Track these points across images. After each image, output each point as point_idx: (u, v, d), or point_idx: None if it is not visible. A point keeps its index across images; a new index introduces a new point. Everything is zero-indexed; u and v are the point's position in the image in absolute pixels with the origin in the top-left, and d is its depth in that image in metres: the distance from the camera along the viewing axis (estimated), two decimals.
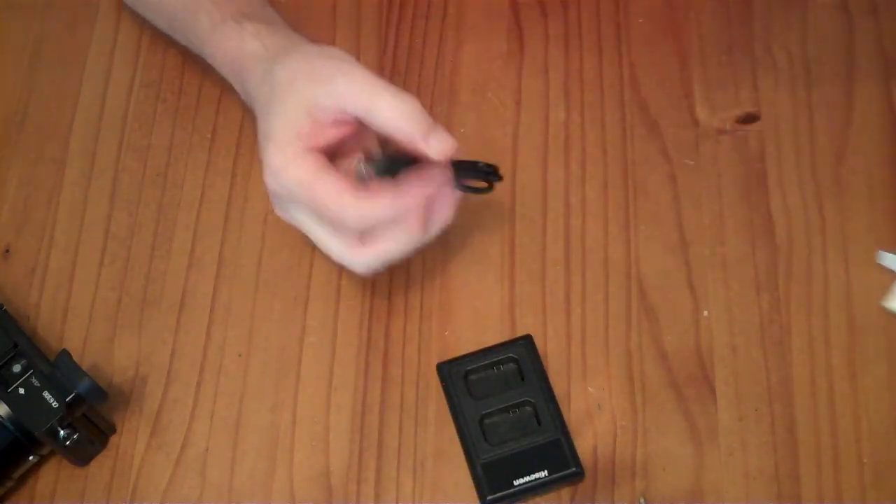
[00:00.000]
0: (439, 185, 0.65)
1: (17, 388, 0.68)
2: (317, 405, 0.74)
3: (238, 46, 0.72)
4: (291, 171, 0.64)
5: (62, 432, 0.68)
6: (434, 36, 0.86)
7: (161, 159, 0.82)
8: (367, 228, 0.65)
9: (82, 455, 0.72)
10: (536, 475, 0.69)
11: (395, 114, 0.63)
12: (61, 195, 0.81)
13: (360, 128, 0.67)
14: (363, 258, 0.67)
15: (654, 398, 0.73)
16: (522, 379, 0.72)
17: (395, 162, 0.66)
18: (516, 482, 0.69)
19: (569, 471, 0.69)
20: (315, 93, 0.65)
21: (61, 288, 0.78)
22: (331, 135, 0.66)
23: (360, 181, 0.66)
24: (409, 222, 0.65)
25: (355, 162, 0.66)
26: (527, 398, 0.72)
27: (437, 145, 0.63)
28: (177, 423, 0.74)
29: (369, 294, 0.77)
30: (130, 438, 0.73)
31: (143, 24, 0.87)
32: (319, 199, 0.64)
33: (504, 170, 0.80)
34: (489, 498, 0.69)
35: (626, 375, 0.73)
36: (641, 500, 0.70)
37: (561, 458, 0.70)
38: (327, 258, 0.77)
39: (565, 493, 0.70)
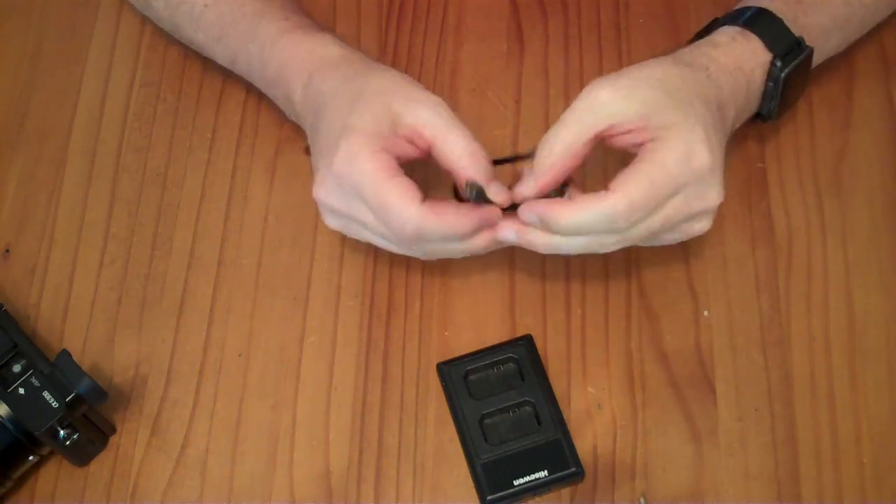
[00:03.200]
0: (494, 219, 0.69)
1: (17, 388, 0.68)
2: (317, 405, 0.74)
3: (315, 48, 0.73)
4: (368, 162, 0.66)
5: (62, 432, 0.68)
6: (434, 36, 0.86)
7: (161, 159, 0.82)
8: (420, 237, 0.67)
9: (82, 455, 0.72)
10: (536, 475, 0.69)
11: (466, 155, 0.67)
12: (61, 195, 0.81)
13: (427, 157, 0.69)
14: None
15: (654, 398, 0.73)
16: (522, 379, 0.72)
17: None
18: (516, 482, 0.69)
19: (569, 471, 0.69)
20: (402, 108, 0.68)
21: (61, 288, 0.78)
22: (403, 149, 0.68)
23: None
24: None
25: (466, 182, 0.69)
26: (527, 398, 0.72)
27: (497, 193, 0.68)
28: (177, 423, 0.74)
29: (369, 294, 0.77)
30: (130, 438, 0.73)
31: (144, 24, 0.87)
32: (385, 198, 0.66)
33: (504, 170, 0.80)
34: (489, 498, 0.69)
35: (626, 375, 0.73)
36: (641, 500, 0.70)
37: (561, 458, 0.70)
38: (328, 258, 0.78)
39: (565, 493, 0.70)
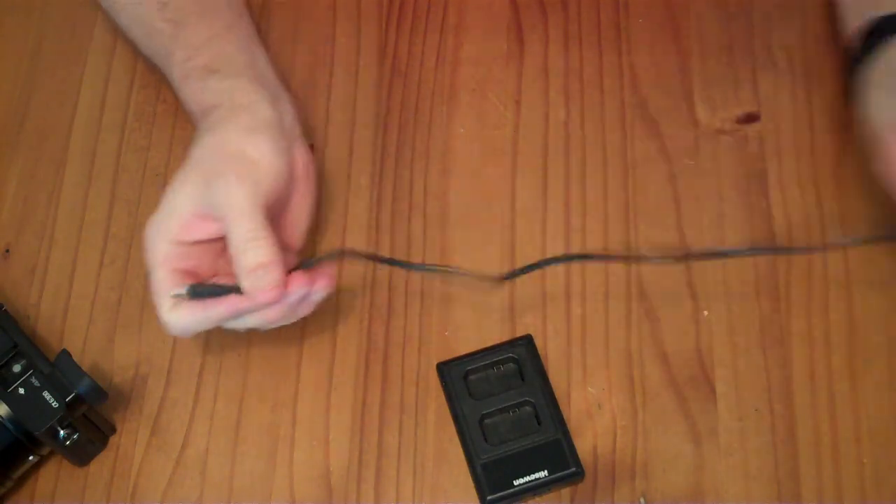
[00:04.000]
0: (240, 311, 0.67)
1: (17, 388, 0.68)
2: (317, 405, 0.74)
3: (198, 101, 0.73)
4: (148, 248, 0.68)
5: (62, 432, 0.68)
6: (434, 36, 0.86)
7: (161, 159, 0.82)
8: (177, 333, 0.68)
9: (82, 455, 0.72)
10: (536, 475, 0.69)
11: (241, 245, 0.65)
12: (61, 195, 0.81)
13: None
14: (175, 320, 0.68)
15: (654, 398, 0.73)
16: (522, 379, 0.72)
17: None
18: (516, 482, 0.69)
19: (569, 471, 0.69)
20: (203, 186, 0.67)
21: (61, 288, 0.78)
22: (210, 229, 0.68)
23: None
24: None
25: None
26: (527, 398, 0.72)
27: (252, 284, 0.65)
28: (177, 423, 0.74)
29: (369, 294, 0.77)
30: (130, 438, 0.73)
31: None
32: (151, 287, 0.68)
33: (504, 170, 0.80)
34: (489, 498, 0.69)
35: (626, 375, 0.73)
36: (641, 500, 0.70)
37: (561, 458, 0.70)
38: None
39: (565, 493, 0.70)
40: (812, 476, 0.70)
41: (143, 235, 0.68)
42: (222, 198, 0.66)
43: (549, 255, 0.77)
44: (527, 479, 0.69)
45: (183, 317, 0.66)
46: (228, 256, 0.67)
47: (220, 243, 0.69)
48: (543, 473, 0.69)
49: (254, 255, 0.65)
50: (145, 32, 0.79)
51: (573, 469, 0.69)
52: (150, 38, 0.78)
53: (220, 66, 0.74)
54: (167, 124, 0.83)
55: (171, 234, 0.67)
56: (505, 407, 0.72)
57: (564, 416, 0.71)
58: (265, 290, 0.65)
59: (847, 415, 0.72)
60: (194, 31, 0.76)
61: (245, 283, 0.65)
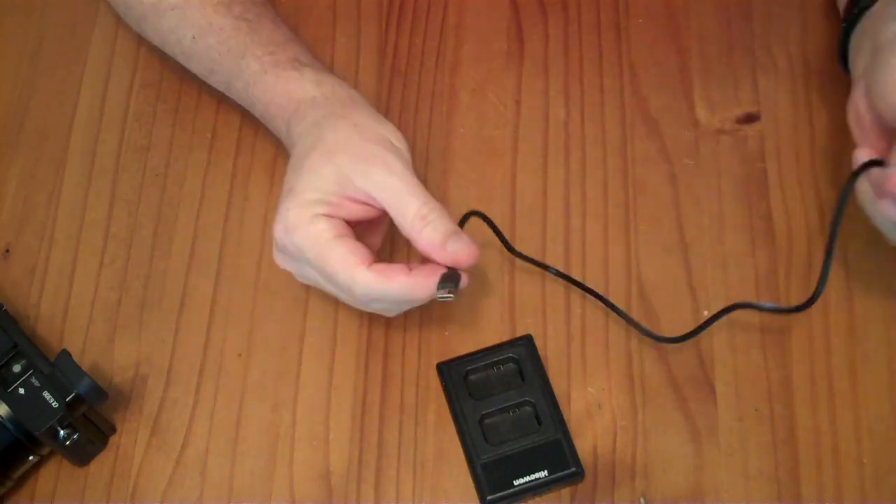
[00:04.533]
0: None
1: (17, 388, 0.68)
2: (317, 405, 0.74)
3: (292, 90, 0.73)
4: (305, 232, 0.66)
5: (62, 432, 0.68)
6: (434, 36, 0.86)
7: (161, 159, 0.82)
8: (374, 300, 0.68)
9: (82, 455, 0.72)
10: (536, 475, 0.69)
11: (418, 222, 0.66)
12: (61, 195, 0.81)
13: (386, 215, 0.68)
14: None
15: (654, 398, 0.73)
16: (522, 379, 0.72)
17: None
18: (516, 482, 0.69)
19: (569, 471, 0.69)
20: (352, 170, 0.67)
21: (61, 288, 0.78)
22: (354, 212, 0.68)
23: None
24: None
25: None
26: (527, 398, 0.72)
27: (456, 253, 0.66)
28: (177, 423, 0.74)
29: None
30: (130, 438, 0.73)
31: None
32: (329, 265, 0.66)
33: (504, 170, 0.80)
34: (489, 498, 0.69)
35: (626, 375, 0.73)
36: (641, 500, 0.70)
37: (561, 458, 0.70)
38: None
39: (565, 493, 0.70)
40: (812, 476, 0.70)
41: (285, 218, 0.66)
42: (385, 182, 0.66)
43: (549, 256, 0.77)
44: (527, 479, 0.69)
45: (385, 283, 0.66)
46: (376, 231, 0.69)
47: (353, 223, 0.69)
48: (543, 473, 0.69)
49: (437, 228, 0.66)
50: (197, 34, 0.77)
51: (573, 469, 0.69)
52: (203, 38, 0.77)
53: (308, 63, 0.75)
54: (167, 124, 0.83)
55: (325, 210, 0.66)
56: (505, 407, 0.72)
57: (564, 416, 0.71)
58: (466, 251, 0.66)
59: (847, 415, 0.72)
60: (272, 32, 0.76)
61: (450, 247, 0.66)
